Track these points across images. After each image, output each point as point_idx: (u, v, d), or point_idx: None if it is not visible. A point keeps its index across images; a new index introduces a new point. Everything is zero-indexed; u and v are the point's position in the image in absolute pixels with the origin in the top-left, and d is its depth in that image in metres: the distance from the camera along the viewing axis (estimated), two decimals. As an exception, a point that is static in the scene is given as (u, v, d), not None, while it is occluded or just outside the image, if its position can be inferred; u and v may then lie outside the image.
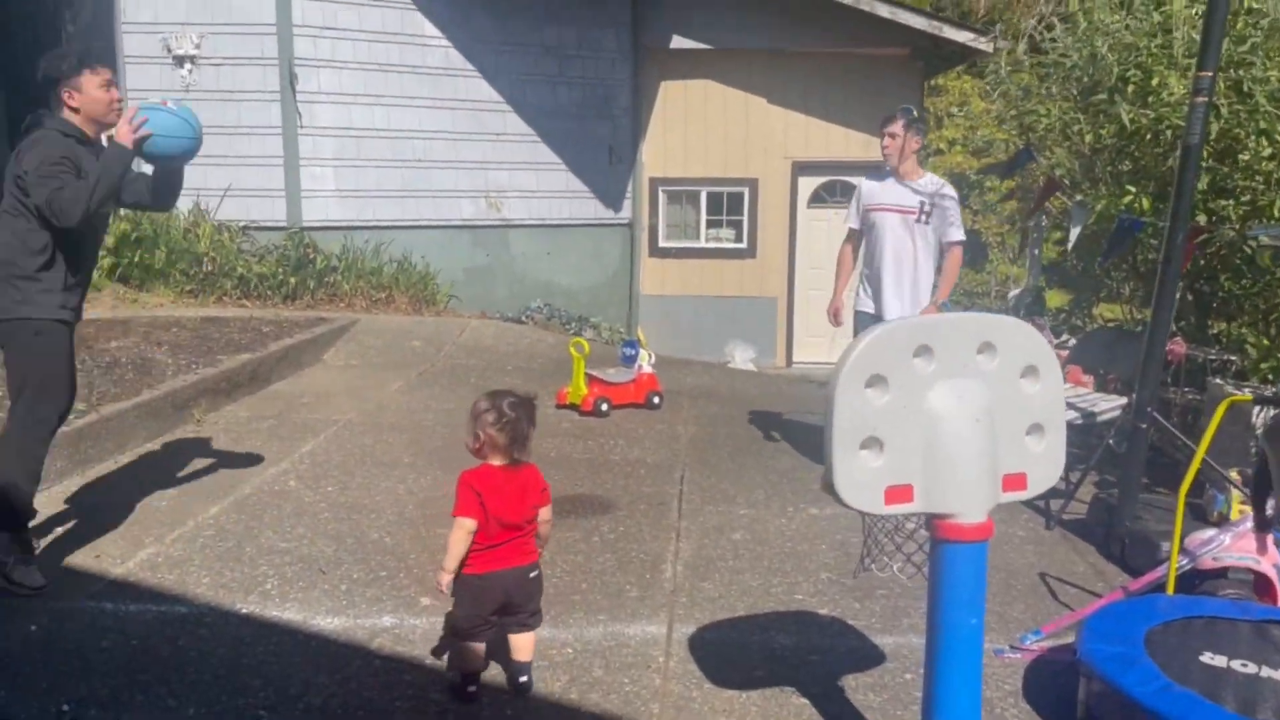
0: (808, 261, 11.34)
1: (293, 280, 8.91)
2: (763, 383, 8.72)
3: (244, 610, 3.51)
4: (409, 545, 4.16)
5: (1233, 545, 3.46)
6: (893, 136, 5.04)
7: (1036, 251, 7.99)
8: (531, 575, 2.96)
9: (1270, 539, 3.48)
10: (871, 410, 2.26)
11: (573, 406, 6.45)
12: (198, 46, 9.01)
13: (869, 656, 3.33)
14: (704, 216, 11.48)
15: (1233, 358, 5.49)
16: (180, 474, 4.89)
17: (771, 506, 4.81)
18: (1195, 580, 3.51)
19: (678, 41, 10.82)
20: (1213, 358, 5.50)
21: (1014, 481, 2.41)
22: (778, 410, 6.94)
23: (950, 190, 5.04)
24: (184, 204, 8.97)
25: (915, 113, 5.21)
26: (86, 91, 3.54)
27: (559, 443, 5.76)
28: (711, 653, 3.31)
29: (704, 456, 5.66)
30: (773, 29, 10.63)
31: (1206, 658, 2.78)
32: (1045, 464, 2.44)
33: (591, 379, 6.50)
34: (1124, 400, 5.52)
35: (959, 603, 2.33)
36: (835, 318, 5.55)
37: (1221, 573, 3.49)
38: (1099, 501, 4.57)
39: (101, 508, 4.38)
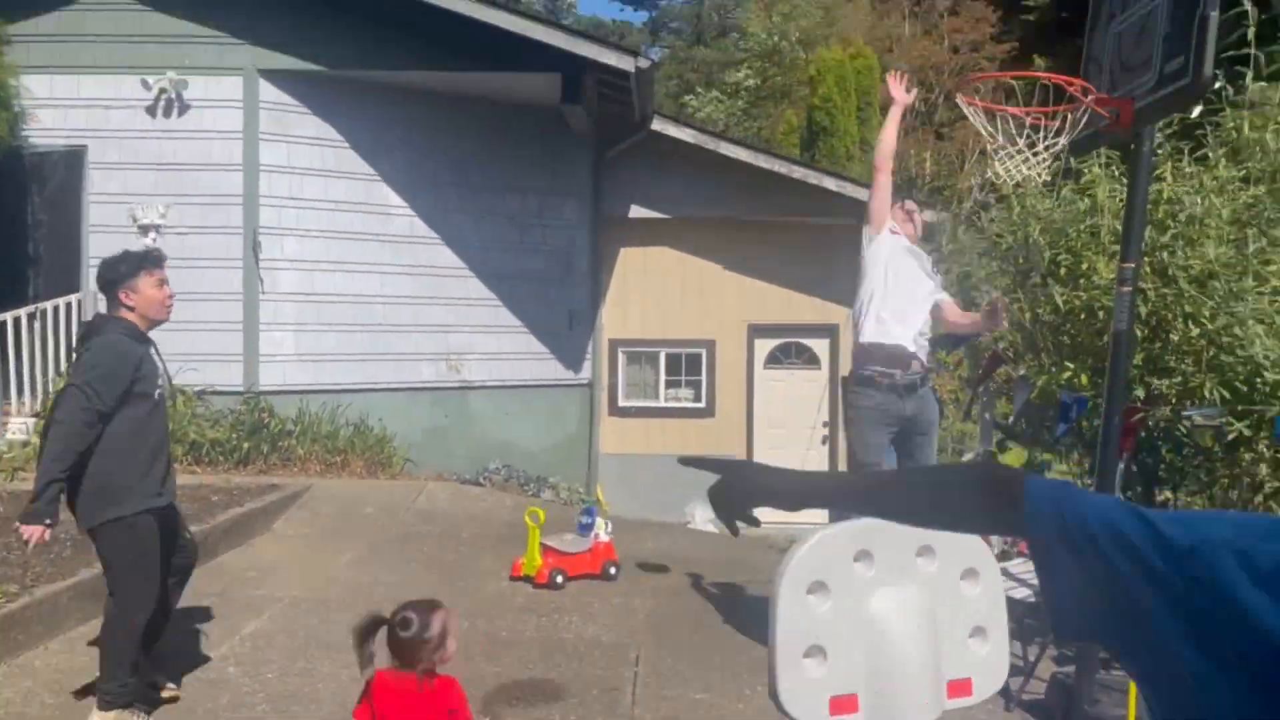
0: (766, 421, 11.46)
1: (246, 445, 8.82)
2: (722, 547, 8.63)
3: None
4: (349, 740, 3.98)
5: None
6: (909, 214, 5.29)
7: (988, 416, 8.14)
8: None
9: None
10: (814, 618, 2.24)
11: (527, 578, 6.33)
12: (163, 216, 9.18)
13: None
14: (663, 376, 11.64)
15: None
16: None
17: (728, 690, 4.69)
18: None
19: (636, 211, 11.22)
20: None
21: (959, 688, 2.38)
22: (736, 580, 6.85)
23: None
24: (140, 369, 8.97)
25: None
26: (142, 291, 3.93)
27: (511, 620, 5.62)
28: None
29: (660, 635, 5.53)
30: (727, 200, 11.07)
31: None
32: (989, 668, 2.41)
33: (546, 549, 6.40)
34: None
35: (910, 819, 2.25)
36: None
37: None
38: (1057, 682, 4.51)
39: (24, 698, 4.17)
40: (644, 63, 9.19)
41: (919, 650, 2.30)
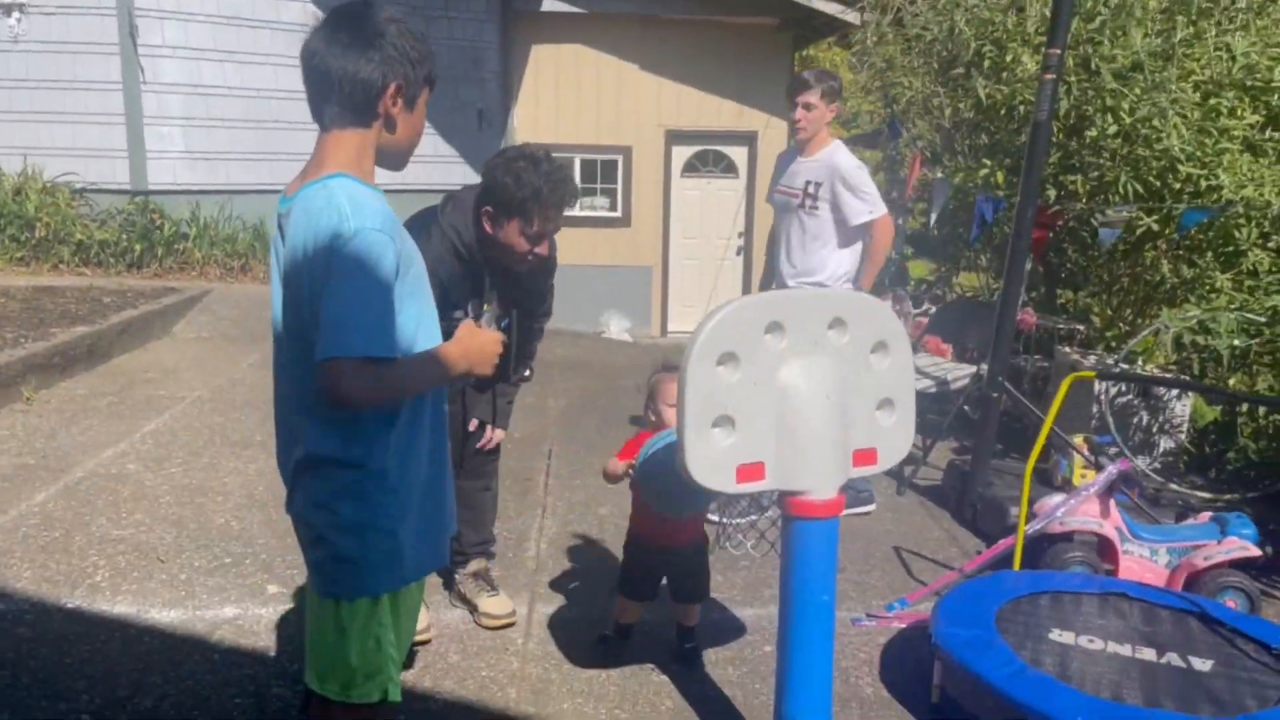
0: (682, 230, 11.35)
1: (139, 247, 8.37)
2: (635, 353, 8.70)
3: (70, 605, 3.27)
4: (257, 530, 3.95)
5: (1078, 510, 3.60)
6: (807, 108, 4.14)
7: (900, 222, 8.18)
8: None
9: (1112, 502, 3.64)
10: (723, 388, 2.22)
11: (439, 379, 6.26)
12: (26, -8, 8.30)
13: (730, 629, 3.34)
14: (578, 183, 11.33)
15: (1079, 326, 5.73)
16: (3, 458, 4.53)
17: (638, 479, 4.77)
18: (1043, 544, 3.64)
19: (549, 4, 10.57)
20: (1061, 327, 5.73)
21: (864, 457, 2.41)
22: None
23: (846, 162, 4.12)
24: (12, 163, 8.31)
25: (831, 78, 4.26)
26: (507, 233, 2.83)
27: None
28: (572, 633, 3.25)
29: (572, 430, 5.58)
30: (645, -5, 10.51)
31: (1055, 635, 2.87)
32: (895, 438, 2.44)
33: (458, 351, 6.32)
34: (973, 369, 5.71)
35: (811, 579, 2.32)
36: None
37: (1068, 536, 3.63)
38: (953, 468, 4.71)
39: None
40: None
41: (826, 420, 2.30)
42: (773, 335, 2.26)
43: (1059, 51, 3.94)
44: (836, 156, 4.18)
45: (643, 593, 3.06)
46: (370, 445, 1.81)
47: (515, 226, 2.79)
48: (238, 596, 3.39)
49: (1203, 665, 2.73)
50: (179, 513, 4.07)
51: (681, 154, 11.23)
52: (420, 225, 2.85)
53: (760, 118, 10.94)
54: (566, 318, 10.57)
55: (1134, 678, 2.64)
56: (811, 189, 4.18)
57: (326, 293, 1.68)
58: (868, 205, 4.16)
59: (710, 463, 2.21)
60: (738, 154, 11.20)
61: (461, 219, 2.89)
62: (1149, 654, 2.79)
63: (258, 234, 9.19)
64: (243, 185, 9.23)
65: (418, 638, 2.93)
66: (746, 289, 11.29)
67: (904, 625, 3.42)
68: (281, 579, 3.54)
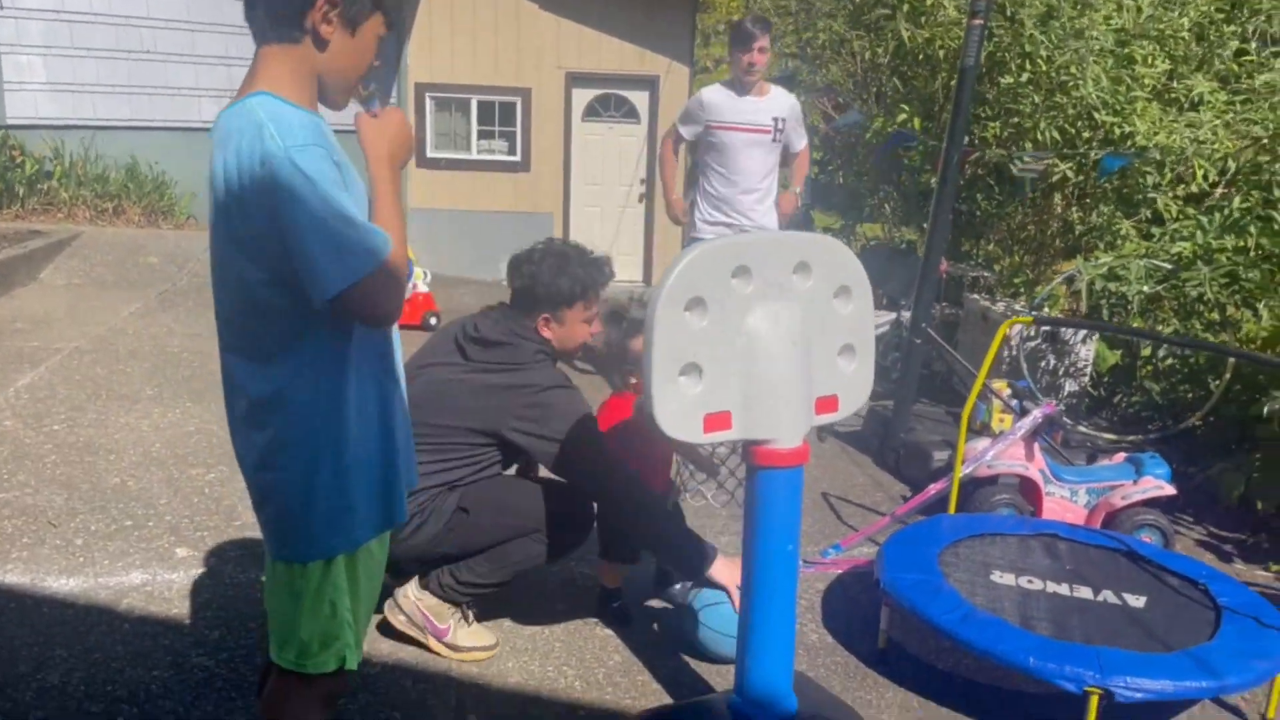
0: (583, 177, 11.13)
1: (-3, 186, 7.73)
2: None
3: (-48, 578, 2.98)
4: (158, 489, 3.69)
5: (1005, 454, 3.66)
6: (763, 51, 4.48)
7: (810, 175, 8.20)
8: None
9: (1036, 445, 3.71)
10: (690, 335, 2.12)
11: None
12: None
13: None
14: (475, 127, 10.96)
15: (987, 274, 5.85)
16: None
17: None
18: (969, 488, 3.70)
19: (443, -65, 10.11)
20: (971, 274, 5.84)
21: (826, 404, 2.35)
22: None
23: (795, 100, 4.75)
24: None
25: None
26: (569, 324, 2.81)
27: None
28: (511, 592, 3.14)
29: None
30: (545, -72, 10.15)
31: (996, 577, 2.90)
32: (856, 385, 2.39)
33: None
34: (893, 316, 5.77)
35: (775, 528, 2.26)
36: (683, 215, 4.98)
37: (993, 480, 3.70)
38: (875, 414, 4.75)
39: None
40: None
41: (792, 367, 2.23)
42: (739, 280, 2.17)
43: (986, -2, 3.93)
44: (788, 96, 4.75)
45: (623, 555, 2.98)
46: (314, 393, 1.65)
47: (577, 315, 2.79)
48: (143, 561, 3.15)
49: (1137, 602, 2.81)
50: (67, 473, 3.77)
51: (582, 97, 10.97)
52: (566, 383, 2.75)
53: (662, 62, 10.76)
54: (466, 264, 10.30)
55: (1076, 616, 2.70)
56: (780, 124, 4.63)
57: (291, 222, 1.50)
58: (804, 135, 4.88)
59: (678, 412, 2.12)
60: (639, 99, 11.01)
61: (526, 333, 2.77)
62: (1085, 592, 2.86)
63: (131, 174, 8.60)
64: (112, 121, 8.60)
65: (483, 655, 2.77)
66: (650, 236, 11.21)
67: (841, 571, 3.43)
68: (191, 541, 3.31)
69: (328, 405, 1.66)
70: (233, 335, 1.69)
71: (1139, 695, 2.36)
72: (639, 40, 10.74)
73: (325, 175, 1.53)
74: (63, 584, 2.98)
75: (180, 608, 2.90)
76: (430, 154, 10.89)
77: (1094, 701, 2.37)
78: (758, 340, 2.19)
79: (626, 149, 11.10)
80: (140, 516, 3.46)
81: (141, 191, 8.61)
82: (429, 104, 10.78)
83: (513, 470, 2.93)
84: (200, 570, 3.12)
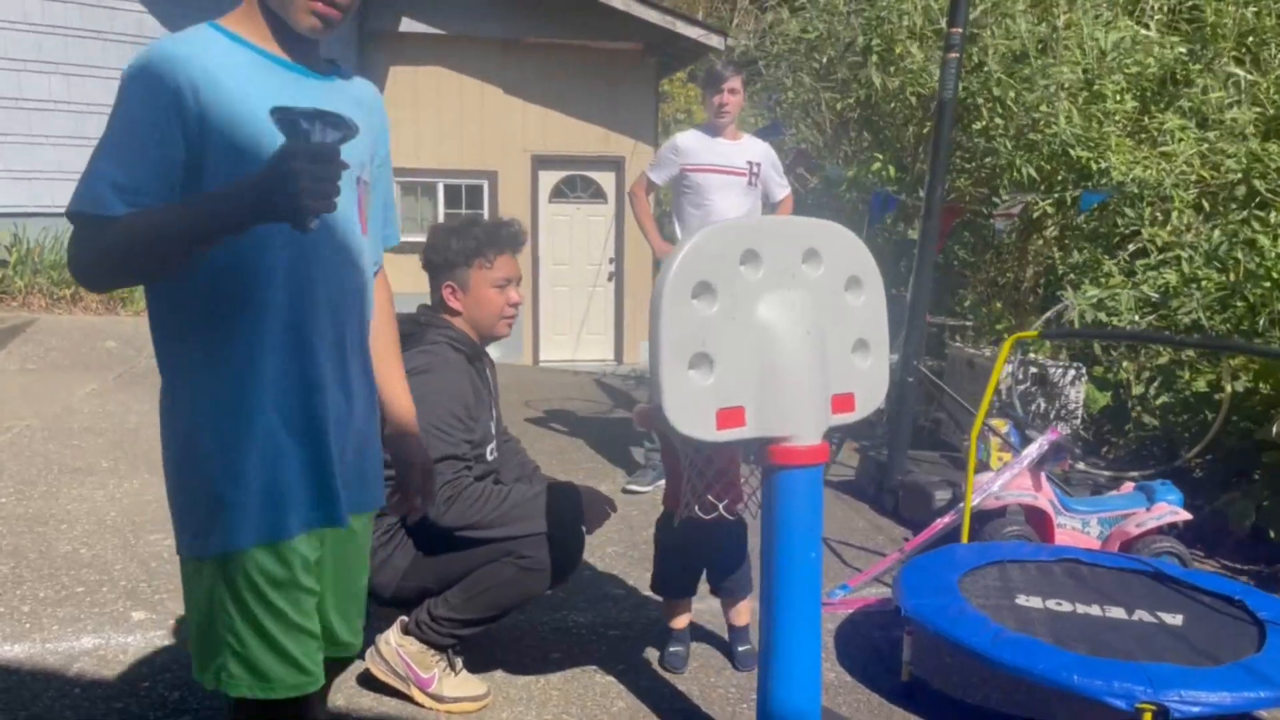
0: (551, 257, 11.09)
1: (-51, 274, 7.49)
2: (513, 374, 8.35)
3: (-120, 649, 2.68)
4: (113, 555, 3.42)
5: (1012, 484, 3.51)
6: (733, 92, 4.44)
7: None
8: None
9: (1042, 477, 3.57)
10: (699, 322, 1.97)
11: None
12: None
13: (671, 627, 3.05)
14: (442, 210, 10.93)
15: (968, 323, 5.78)
16: None
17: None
18: (977, 522, 3.53)
19: (407, 24, 10.23)
20: (951, 324, 5.77)
21: (843, 402, 2.20)
22: (538, 397, 6.61)
23: (769, 147, 4.71)
24: None
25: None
26: (474, 289, 2.61)
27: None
28: (502, 640, 2.90)
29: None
30: (506, 17, 10.30)
31: (1022, 600, 2.72)
32: (871, 383, 2.25)
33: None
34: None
35: (797, 534, 2.08)
36: None
37: (1001, 511, 3.53)
38: (868, 459, 4.60)
39: None
40: None
41: (807, 358, 2.08)
42: (748, 266, 2.04)
43: (960, 30, 3.94)
44: (761, 142, 4.68)
45: (684, 589, 2.76)
46: (196, 365, 1.43)
47: (482, 278, 2.58)
48: (95, 626, 2.87)
49: (1174, 620, 2.64)
50: (15, 543, 3.49)
51: (549, 179, 11.02)
52: (427, 367, 2.51)
53: (627, 143, 10.87)
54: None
55: (1113, 635, 2.52)
56: (755, 168, 4.52)
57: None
58: (785, 184, 4.73)
59: (689, 406, 1.96)
60: (605, 179, 11.08)
61: (440, 323, 2.62)
62: (1118, 613, 2.68)
63: (90, 260, 8.39)
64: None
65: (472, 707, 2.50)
66: (620, 315, 11.14)
67: (851, 610, 3.23)
68: (149, 604, 3.04)
69: (206, 382, 1.43)
70: None
71: (1196, 710, 2.17)
72: (604, 122, 10.86)
73: (126, 99, 1.37)
74: (8, 650, 2.70)
75: (136, 671, 2.62)
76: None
77: (1147, 718, 2.18)
78: (770, 330, 2.05)
79: (594, 229, 11.12)
80: (93, 583, 3.18)
81: (100, 279, 8.40)
82: (395, 189, 10.75)
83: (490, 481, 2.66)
84: (158, 632, 2.85)
